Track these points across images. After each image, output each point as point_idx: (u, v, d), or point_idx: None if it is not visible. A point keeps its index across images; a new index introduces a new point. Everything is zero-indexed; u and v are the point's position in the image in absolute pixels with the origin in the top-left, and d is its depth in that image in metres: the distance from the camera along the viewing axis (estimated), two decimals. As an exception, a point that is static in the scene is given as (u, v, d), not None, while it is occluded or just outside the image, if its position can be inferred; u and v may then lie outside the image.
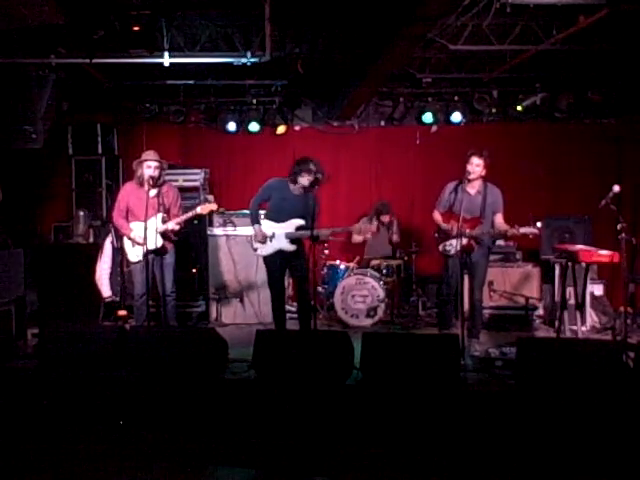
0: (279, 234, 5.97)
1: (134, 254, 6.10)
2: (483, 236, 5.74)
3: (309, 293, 6.05)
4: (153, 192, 5.97)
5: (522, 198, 7.73)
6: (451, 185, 5.92)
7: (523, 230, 5.51)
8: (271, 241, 6.00)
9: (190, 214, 6.04)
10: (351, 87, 7.44)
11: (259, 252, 6.11)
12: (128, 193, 6.12)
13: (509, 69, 7.29)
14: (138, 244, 5.98)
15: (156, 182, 6.00)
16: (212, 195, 8.27)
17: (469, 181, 5.73)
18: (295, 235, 5.96)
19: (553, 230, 7.32)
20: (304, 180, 5.86)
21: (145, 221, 5.76)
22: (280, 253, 6.00)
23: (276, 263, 6.06)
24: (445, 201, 5.94)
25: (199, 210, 6.03)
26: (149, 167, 5.98)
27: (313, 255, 5.76)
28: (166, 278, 6.16)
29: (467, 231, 5.61)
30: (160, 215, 5.95)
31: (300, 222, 5.94)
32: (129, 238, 6.07)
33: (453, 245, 5.70)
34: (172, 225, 5.98)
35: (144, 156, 6.05)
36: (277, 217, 6.01)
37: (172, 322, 6.25)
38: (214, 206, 6.18)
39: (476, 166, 5.70)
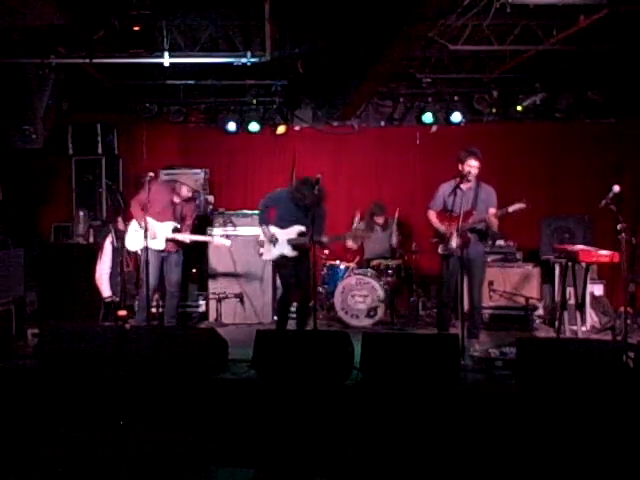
0: (281, 240, 6.11)
1: (133, 242, 6.30)
2: (476, 224, 5.78)
3: (309, 295, 6.09)
4: (177, 199, 6.37)
5: (521, 198, 7.69)
6: (447, 187, 5.95)
7: (512, 208, 5.60)
8: (274, 246, 6.13)
9: (204, 238, 6.67)
10: (351, 87, 7.43)
11: (264, 257, 6.28)
12: (154, 191, 6.18)
13: (509, 69, 7.29)
14: (144, 232, 6.01)
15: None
16: (212, 195, 8.28)
17: (468, 181, 5.80)
18: (295, 241, 6.06)
19: (553, 230, 7.31)
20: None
21: (158, 220, 6.16)
22: (284, 258, 6.12)
23: (285, 264, 6.17)
24: (440, 202, 6.00)
25: (215, 242, 6.60)
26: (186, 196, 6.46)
27: (313, 255, 5.79)
28: (172, 275, 6.37)
29: (462, 224, 5.66)
30: (172, 224, 6.26)
31: (301, 229, 6.05)
32: (138, 222, 6.15)
33: (452, 243, 5.74)
34: (183, 238, 6.30)
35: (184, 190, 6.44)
36: (281, 224, 6.16)
37: (169, 319, 6.31)
38: (228, 242, 6.62)
39: (475, 168, 5.81)
